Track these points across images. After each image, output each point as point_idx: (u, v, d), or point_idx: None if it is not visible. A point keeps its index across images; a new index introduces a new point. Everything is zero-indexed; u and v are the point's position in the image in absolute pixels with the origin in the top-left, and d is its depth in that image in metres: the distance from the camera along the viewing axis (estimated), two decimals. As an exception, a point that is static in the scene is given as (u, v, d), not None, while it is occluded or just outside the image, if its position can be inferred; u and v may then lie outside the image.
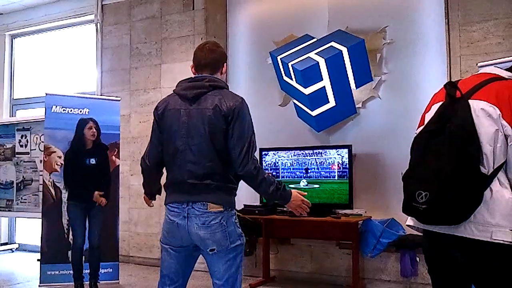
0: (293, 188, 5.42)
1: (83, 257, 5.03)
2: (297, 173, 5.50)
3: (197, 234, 2.52)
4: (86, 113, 5.49)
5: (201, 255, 2.67)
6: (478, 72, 2.45)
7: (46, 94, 5.55)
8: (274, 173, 5.59)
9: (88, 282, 5.04)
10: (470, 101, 2.10)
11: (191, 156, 2.55)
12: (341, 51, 5.42)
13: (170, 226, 2.61)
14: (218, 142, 2.53)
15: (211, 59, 2.70)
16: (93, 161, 4.94)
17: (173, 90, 2.72)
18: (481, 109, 2.06)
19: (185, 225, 2.54)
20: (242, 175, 2.57)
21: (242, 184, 2.67)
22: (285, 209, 5.32)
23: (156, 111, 2.73)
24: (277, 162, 5.61)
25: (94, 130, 4.98)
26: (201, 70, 2.70)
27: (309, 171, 5.43)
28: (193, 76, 2.73)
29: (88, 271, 5.05)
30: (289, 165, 5.56)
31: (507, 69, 2.32)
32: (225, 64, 2.77)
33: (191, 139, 2.56)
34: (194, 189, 2.53)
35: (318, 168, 5.39)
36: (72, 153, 5.00)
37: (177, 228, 2.57)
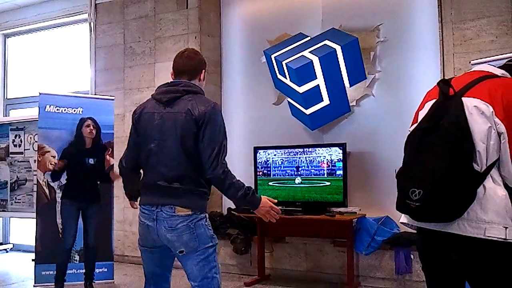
0: (288, 186, 5.45)
1: (70, 257, 5.00)
2: (289, 171, 5.51)
3: (165, 236, 2.56)
4: (80, 112, 5.47)
5: None
6: (472, 70, 2.46)
7: (40, 93, 5.53)
8: (266, 172, 5.61)
9: (83, 282, 5.02)
10: (463, 98, 2.11)
11: (163, 159, 2.60)
12: (335, 49, 5.43)
13: (142, 227, 2.66)
14: (189, 146, 2.56)
15: (189, 66, 2.75)
16: (91, 161, 4.93)
17: (151, 95, 2.77)
18: (474, 107, 2.07)
19: (154, 227, 2.58)
20: (210, 178, 2.58)
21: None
22: (280, 207, 5.34)
23: (133, 114, 2.78)
24: (269, 161, 5.61)
25: (92, 128, 4.97)
26: (179, 77, 2.74)
27: (303, 169, 5.44)
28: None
29: (84, 271, 5.05)
30: (280, 163, 5.56)
31: (500, 67, 2.33)
32: (203, 71, 2.80)
33: (164, 142, 2.61)
34: (163, 192, 2.57)
35: (312, 167, 5.40)
36: (71, 152, 4.97)
37: (148, 230, 2.62)
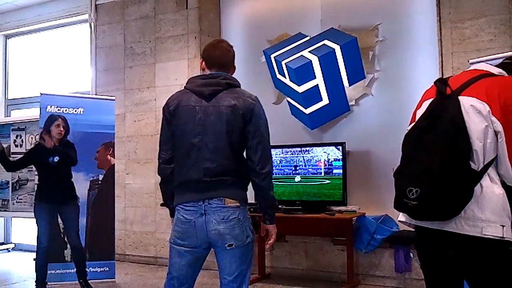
0: (288, 185, 5.45)
1: (47, 258, 4.95)
2: (288, 170, 5.52)
3: (215, 230, 2.50)
4: (81, 112, 5.50)
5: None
6: (469, 69, 2.46)
7: (41, 94, 5.54)
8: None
9: (78, 282, 5.03)
10: (460, 97, 2.11)
11: (207, 154, 2.52)
12: (334, 49, 5.45)
13: (186, 225, 2.55)
14: (235, 141, 2.54)
15: (226, 59, 2.74)
16: (56, 159, 4.80)
17: (185, 87, 2.68)
18: (470, 106, 2.08)
19: (202, 222, 2.51)
20: (259, 174, 2.56)
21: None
22: (280, 207, 5.36)
23: (167, 107, 2.65)
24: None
25: (62, 128, 4.85)
26: (215, 69, 2.70)
27: (302, 168, 5.45)
28: (203, 73, 2.73)
29: (75, 269, 5.05)
30: (279, 162, 5.58)
31: (497, 65, 2.34)
32: (234, 65, 2.81)
33: (207, 136, 2.54)
34: (209, 186, 2.51)
35: (311, 166, 5.41)
36: (36, 151, 4.91)
37: (194, 227, 2.53)
